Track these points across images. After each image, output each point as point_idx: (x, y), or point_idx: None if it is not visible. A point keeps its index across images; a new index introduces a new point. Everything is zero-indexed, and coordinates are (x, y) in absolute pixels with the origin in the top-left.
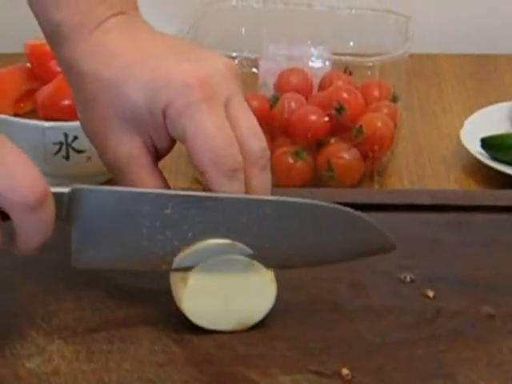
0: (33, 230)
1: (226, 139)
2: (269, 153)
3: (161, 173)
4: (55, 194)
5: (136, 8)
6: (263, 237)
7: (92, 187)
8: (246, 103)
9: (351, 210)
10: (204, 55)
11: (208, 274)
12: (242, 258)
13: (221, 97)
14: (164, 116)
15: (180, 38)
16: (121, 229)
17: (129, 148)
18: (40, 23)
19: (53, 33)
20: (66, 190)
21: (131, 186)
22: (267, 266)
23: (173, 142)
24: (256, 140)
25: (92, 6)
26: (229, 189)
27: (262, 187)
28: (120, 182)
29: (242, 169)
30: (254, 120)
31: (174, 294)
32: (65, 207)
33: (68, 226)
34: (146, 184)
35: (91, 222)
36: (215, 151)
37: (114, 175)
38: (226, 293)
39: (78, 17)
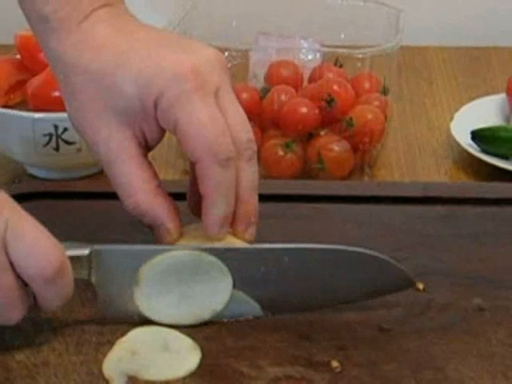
0: (52, 297)
1: (219, 128)
2: (255, 145)
3: (151, 164)
4: (73, 258)
5: (122, 1)
6: (279, 286)
7: (110, 247)
8: (234, 94)
9: (363, 251)
10: (193, 46)
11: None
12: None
13: (211, 86)
14: (155, 106)
15: (166, 30)
16: None
17: (119, 140)
18: (27, 16)
19: (40, 26)
20: (85, 252)
21: (121, 177)
22: (280, 312)
23: (162, 133)
24: (243, 131)
25: None
26: (222, 178)
27: (249, 179)
28: (109, 173)
29: (234, 158)
30: (242, 111)
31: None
32: (85, 268)
33: (91, 285)
34: (136, 176)
35: (113, 280)
36: (209, 140)
37: (103, 167)
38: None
39: (66, 9)
